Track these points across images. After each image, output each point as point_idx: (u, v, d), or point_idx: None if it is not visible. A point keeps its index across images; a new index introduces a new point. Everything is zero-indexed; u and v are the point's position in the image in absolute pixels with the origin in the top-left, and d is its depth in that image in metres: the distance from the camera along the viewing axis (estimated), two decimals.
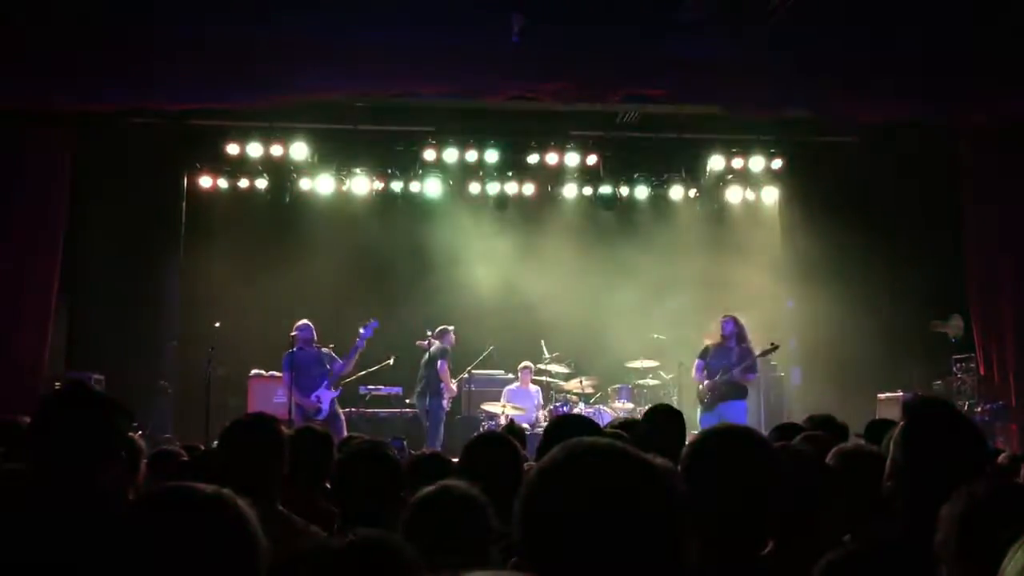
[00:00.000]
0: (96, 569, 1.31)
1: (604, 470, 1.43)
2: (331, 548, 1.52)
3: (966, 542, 1.86)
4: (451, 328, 10.80)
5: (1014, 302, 10.12)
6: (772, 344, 9.97)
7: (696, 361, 9.77)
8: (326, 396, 9.72)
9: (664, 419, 4.32)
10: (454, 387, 10.75)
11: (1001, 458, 4.74)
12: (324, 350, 9.96)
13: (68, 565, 1.75)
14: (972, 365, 10.50)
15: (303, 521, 3.03)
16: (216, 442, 3.48)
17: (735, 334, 9.60)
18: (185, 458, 4.69)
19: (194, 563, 1.33)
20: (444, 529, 2.32)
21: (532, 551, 1.42)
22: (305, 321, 9.97)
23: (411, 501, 2.45)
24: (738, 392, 9.58)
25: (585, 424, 3.87)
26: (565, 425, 3.84)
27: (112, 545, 1.29)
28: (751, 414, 10.82)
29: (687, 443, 2.27)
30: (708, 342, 9.78)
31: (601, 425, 4.50)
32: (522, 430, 6.77)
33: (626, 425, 4.69)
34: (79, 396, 2.60)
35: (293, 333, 9.76)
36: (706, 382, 9.55)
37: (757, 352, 9.71)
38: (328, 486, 3.59)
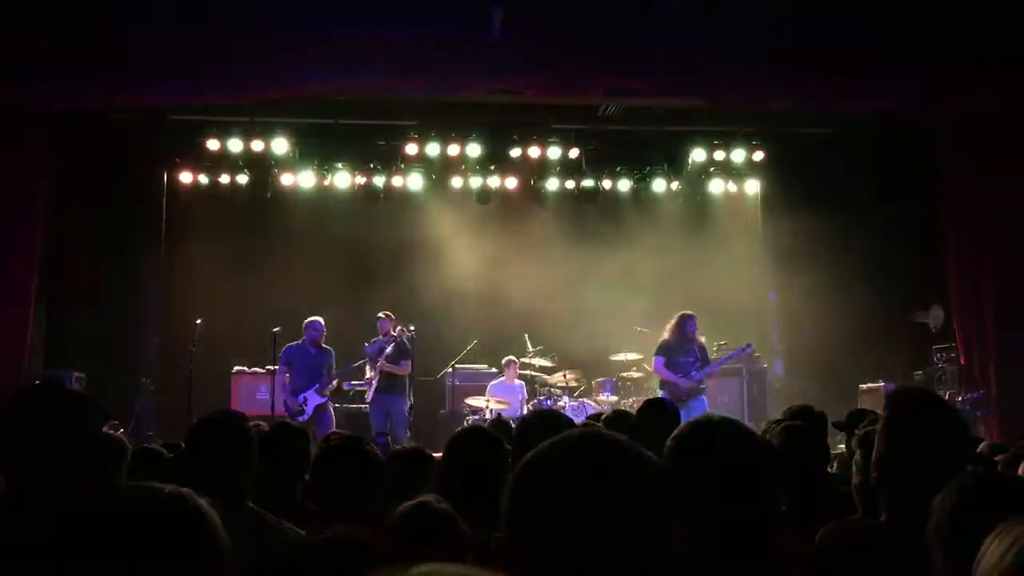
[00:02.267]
0: (54, 572, 1.28)
1: (600, 461, 1.38)
2: (305, 545, 1.50)
3: (957, 532, 1.85)
4: (382, 314, 10.37)
5: (994, 291, 10.16)
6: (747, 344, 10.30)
7: (658, 358, 9.48)
8: (313, 400, 9.65)
9: (659, 414, 4.27)
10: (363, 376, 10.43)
11: (981, 447, 4.75)
12: (327, 350, 9.94)
13: (28, 570, 1.72)
14: (953, 355, 10.57)
15: (276, 518, 2.99)
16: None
17: (696, 331, 9.60)
18: (167, 456, 4.65)
19: (153, 565, 1.30)
20: (420, 548, 2.28)
21: (519, 545, 1.36)
22: (318, 319, 9.93)
23: (388, 521, 2.40)
24: (701, 388, 9.55)
25: (557, 421, 3.70)
26: (538, 424, 3.67)
27: (68, 548, 1.27)
28: (735, 406, 10.88)
29: (673, 435, 2.16)
30: (666, 336, 9.55)
31: (582, 419, 4.44)
32: (509, 424, 6.72)
33: (618, 417, 4.66)
34: (47, 395, 2.55)
35: (306, 329, 9.80)
36: (684, 381, 9.39)
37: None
38: (307, 482, 3.55)
